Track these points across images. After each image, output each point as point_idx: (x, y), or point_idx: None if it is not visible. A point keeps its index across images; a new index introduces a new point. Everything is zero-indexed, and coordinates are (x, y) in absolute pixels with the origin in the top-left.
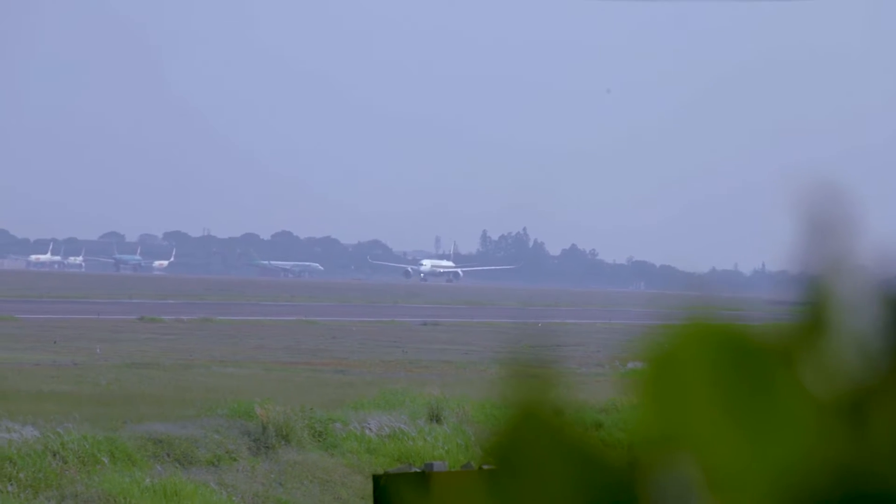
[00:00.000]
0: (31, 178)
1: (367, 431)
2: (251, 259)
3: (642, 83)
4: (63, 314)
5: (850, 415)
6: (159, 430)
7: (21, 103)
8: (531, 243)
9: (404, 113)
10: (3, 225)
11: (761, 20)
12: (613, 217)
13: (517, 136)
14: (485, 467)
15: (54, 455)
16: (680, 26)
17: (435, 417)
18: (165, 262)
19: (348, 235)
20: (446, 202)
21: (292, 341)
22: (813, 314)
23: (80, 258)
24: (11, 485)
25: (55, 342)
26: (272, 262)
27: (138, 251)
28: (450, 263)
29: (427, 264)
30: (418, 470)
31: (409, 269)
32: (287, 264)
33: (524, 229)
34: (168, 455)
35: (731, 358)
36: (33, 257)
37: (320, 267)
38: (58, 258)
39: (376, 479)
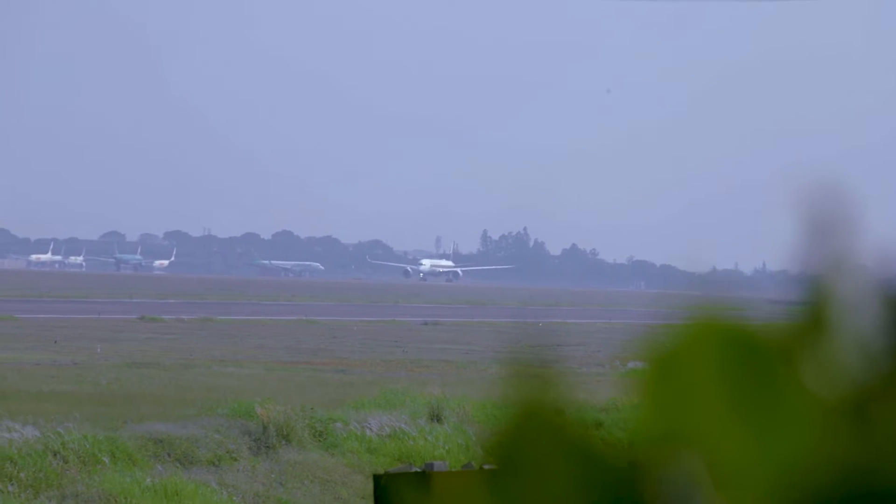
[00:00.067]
0: (31, 178)
1: (367, 431)
2: (252, 259)
3: (642, 83)
4: (63, 314)
5: (854, 413)
6: (160, 430)
7: (21, 103)
8: (531, 243)
9: (405, 113)
10: (3, 224)
11: (761, 20)
12: (614, 217)
13: (517, 136)
14: (486, 467)
15: (55, 455)
16: (680, 26)
17: (435, 417)
18: (166, 262)
19: (349, 235)
20: (447, 202)
21: (293, 341)
22: (814, 314)
23: (81, 258)
24: (12, 485)
25: (56, 342)
26: (273, 262)
27: (139, 251)
28: (449, 263)
29: (426, 264)
30: (419, 470)
31: (409, 269)
32: (288, 264)
33: (524, 229)
34: (169, 455)
35: (736, 356)
36: (34, 257)
37: (321, 266)
38: (58, 258)
39: (377, 479)
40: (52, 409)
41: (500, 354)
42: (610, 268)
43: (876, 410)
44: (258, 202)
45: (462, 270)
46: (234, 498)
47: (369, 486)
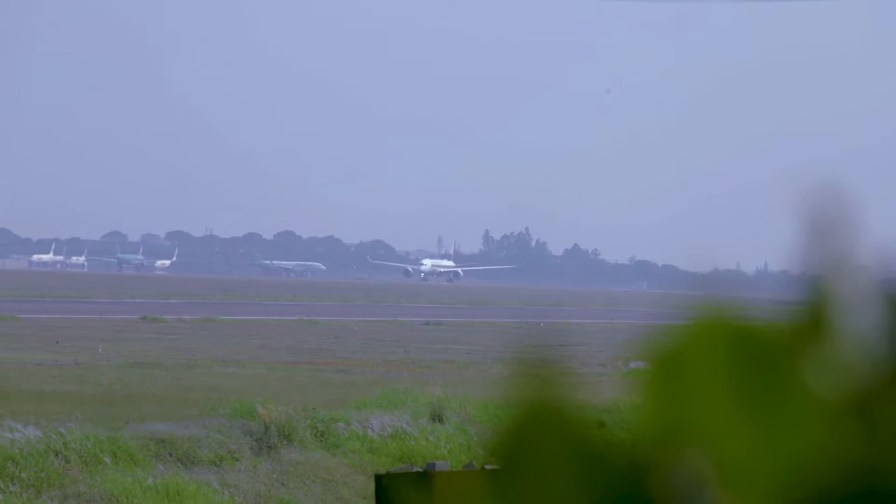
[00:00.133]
0: (33, 178)
1: (369, 431)
2: (254, 259)
3: (642, 83)
4: (65, 314)
5: (858, 413)
6: (162, 430)
7: (23, 103)
8: (533, 243)
9: (405, 113)
10: (5, 225)
11: (761, 20)
12: (615, 217)
13: (517, 136)
14: (487, 467)
15: (57, 455)
16: (680, 26)
17: (437, 417)
18: (168, 262)
19: (351, 235)
20: (449, 202)
21: (294, 341)
22: (815, 314)
23: (83, 258)
24: (14, 485)
25: (58, 342)
26: (274, 262)
27: (141, 251)
28: (450, 263)
29: (427, 264)
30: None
31: (410, 269)
32: (289, 264)
33: (526, 229)
34: (170, 455)
35: (741, 355)
36: (36, 257)
37: (323, 266)
38: (60, 258)
39: (378, 479)
40: (54, 409)
41: (502, 354)
42: (612, 268)
43: (879, 410)
44: (260, 202)
45: (463, 270)
46: (236, 498)
47: (371, 486)
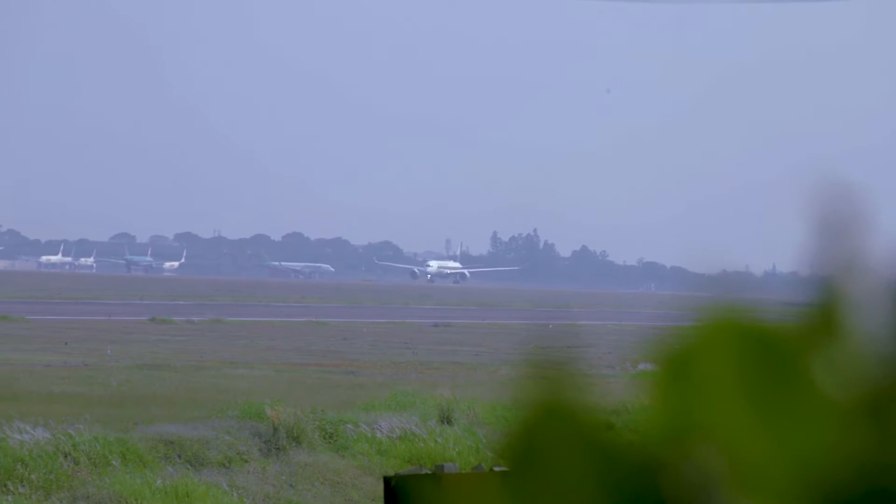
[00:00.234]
0: (42, 180)
1: (377, 433)
2: (262, 260)
3: (642, 83)
4: (74, 315)
5: (870, 412)
6: (170, 432)
7: (25, 104)
8: (541, 244)
9: (406, 113)
10: (14, 226)
11: (761, 20)
12: (624, 218)
13: (517, 136)
14: (496, 469)
15: (66, 456)
16: (680, 26)
17: (446, 419)
18: (176, 264)
19: (359, 237)
20: (450, 202)
21: (303, 342)
22: (825, 314)
23: (91, 259)
24: (23, 486)
25: (66, 343)
26: (283, 264)
27: (149, 252)
28: (456, 264)
29: (434, 265)
30: (429, 471)
31: (416, 270)
32: (297, 265)
33: (535, 231)
34: (179, 456)
35: (753, 355)
36: (44, 258)
37: (331, 268)
38: (69, 259)
39: (387, 481)
40: (62, 410)
41: (510, 356)
42: (620, 269)
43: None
44: (268, 204)
45: (469, 272)
46: (245, 499)
47: (379, 488)
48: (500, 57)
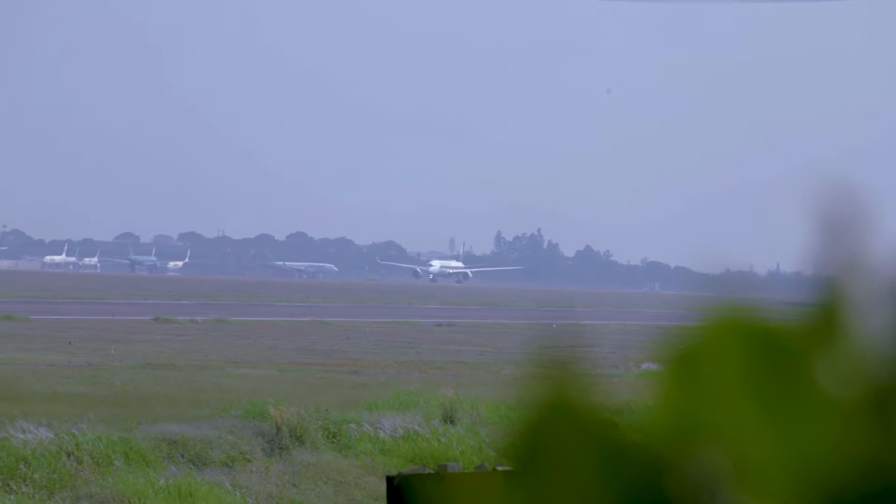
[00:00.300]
0: (46, 181)
1: (380, 432)
2: (265, 260)
3: (642, 83)
4: (78, 315)
5: (874, 411)
6: (174, 431)
7: (25, 104)
8: (545, 244)
9: (406, 113)
10: (18, 226)
11: (761, 20)
12: (627, 218)
13: (518, 136)
14: (499, 468)
15: (69, 456)
16: (680, 26)
17: (449, 418)
18: (180, 263)
19: (363, 236)
20: (451, 202)
21: (306, 342)
22: (829, 314)
23: (95, 259)
24: (26, 486)
25: (70, 343)
26: (286, 263)
27: (153, 252)
28: (459, 264)
29: (436, 265)
30: (432, 471)
31: (419, 270)
32: (301, 265)
33: (538, 230)
34: (182, 456)
35: (757, 354)
36: (48, 258)
37: (334, 268)
38: (73, 259)
39: (390, 480)
40: (66, 410)
41: (514, 356)
42: (624, 269)
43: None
44: (271, 204)
45: (472, 271)
46: (248, 499)
47: (382, 488)
48: (500, 57)
